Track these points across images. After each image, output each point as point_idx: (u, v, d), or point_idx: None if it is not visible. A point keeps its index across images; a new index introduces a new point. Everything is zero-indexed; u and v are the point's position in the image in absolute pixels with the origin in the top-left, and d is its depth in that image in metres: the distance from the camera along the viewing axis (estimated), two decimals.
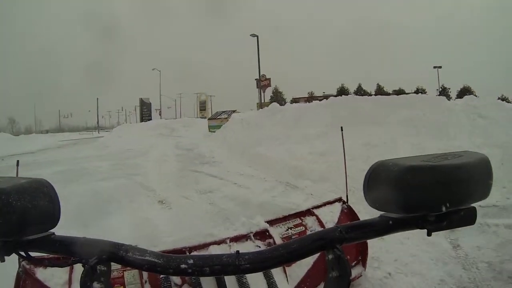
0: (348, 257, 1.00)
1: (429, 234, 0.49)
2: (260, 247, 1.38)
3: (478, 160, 0.48)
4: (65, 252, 0.49)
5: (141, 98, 37.25)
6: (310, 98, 30.66)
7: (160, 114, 40.13)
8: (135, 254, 0.47)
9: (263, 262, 0.47)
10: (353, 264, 1.61)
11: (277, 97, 46.48)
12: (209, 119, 21.68)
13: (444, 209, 0.46)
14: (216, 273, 0.47)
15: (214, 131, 17.51)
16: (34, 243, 0.48)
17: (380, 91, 41.46)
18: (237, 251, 0.48)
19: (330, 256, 0.48)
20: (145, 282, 1.22)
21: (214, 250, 1.32)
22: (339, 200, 1.80)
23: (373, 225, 0.51)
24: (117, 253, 0.47)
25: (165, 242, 1.49)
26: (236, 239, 1.36)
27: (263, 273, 1.18)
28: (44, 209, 0.47)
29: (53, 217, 0.49)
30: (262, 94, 26.17)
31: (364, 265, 1.72)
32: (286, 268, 1.32)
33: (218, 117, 20.38)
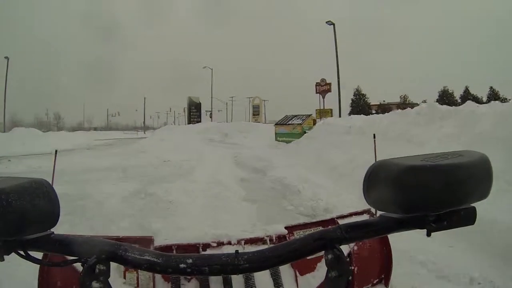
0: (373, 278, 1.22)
1: (428, 234, 0.48)
2: None
3: (478, 159, 0.47)
4: (64, 251, 0.49)
5: (190, 97, 32.91)
6: (403, 104, 24.80)
7: (210, 117, 35.86)
8: (134, 253, 0.47)
9: (263, 262, 0.47)
10: (375, 281, 1.35)
11: (359, 101, 40.18)
12: (276, 124, 16.77)
13: (444, 209, 0.46)
14: (215, 272, 0.47)
15: (287, 141, 12.65)
16: (34, 242, 0.48)
17: (495, 97, 33.34)
18: (236, 251, 0.47)
19: (330, 256, 0.47)
20: None
21: (227, 250, 1.25)
22: (368, 211, 1.45)
23: (373, 225, 0.51)
24: (116, 252, 0.47)
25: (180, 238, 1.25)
26: (251, 241, 1.28)
27: (272, 278, 1.13)
28: (44, 209, 0.47)
29: (53, 216, 0.49)
30: (322, 100, 23.78)
31: (386, 284, 1.38)
32: (299, 277, 1.22)
33: (289, 122, 15.41)
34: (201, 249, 1.23)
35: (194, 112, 33.08)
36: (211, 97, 35.32)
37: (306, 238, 0.50)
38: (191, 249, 1.24)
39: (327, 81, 23.77)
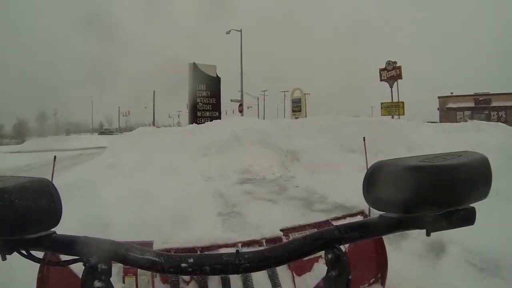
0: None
1: (428, 234, 0.48)
2: None
3: (477, 160, 0.47)
4: (66, 251, 0.49)
5: (195, 64, 15.26)
6: None
7: (240, 111, 20.08)
8: (136, 253, 0.47)
9: (263, 261, 0.47)
10: (372, 281, 1.36)
11: None
12: None
13: (443, 209, 0.46)
14: (216, 272, 0.47)
15: None
16: (36, 242, 0.48)
17: None
18: (237, 250, 0.48)
19: (329, 256, 0.47)
20: (156, 275, 1.16)
21: (225, 251, 0.85)
22: (361, 213, 1.48)
23: (372, 225, 0.51)
24: (117, 252, 0.47)
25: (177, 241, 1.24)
26: (249, 243, 1.26)
27: (270, 280, 1.16)
28: (46, 208, 0.47)
29: (55, 216, 0.48)
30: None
31: (383, 284, 1.38)
32: (296, 278, 1.24)
33: None
34: (199, 252, 1.20)
35: (204, 97, 15.38)
36: (241, 75, 19.89)
37: (305, 238, 0.49)
38: (189, 252, 1.19)
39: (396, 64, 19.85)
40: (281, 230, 1.30)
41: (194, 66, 15.26)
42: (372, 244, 1.34)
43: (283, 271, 1.14)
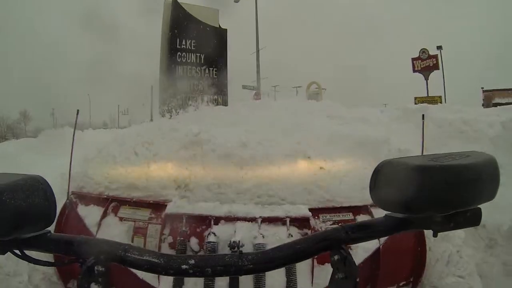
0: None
1: (435, 235, 0.47)
2: (292, 235, 1.28)
3: (485, 160, 0.46)
4: (61, 251, 0.48)
5: (174, 1, 4.13)
6: None
7: (256, 97, 12.40)
8: (134, 254, 0.45)
9: (267, 263, 0.46)
10: (402, 284, 1.27)
11: None
12: None
13: (450, 210, 0.45)
14: (217, 273, 0.45)
15: None
16: (30, 242, 0.47)
17: None
18: (240, 251, 0.47)
19: (336, 257, 0.46)
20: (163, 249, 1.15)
21: (240, 226, 1.21)
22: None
23: (378, 225, 0.50)
24: (115, 253, 0.45)
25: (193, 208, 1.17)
26: (269, 220, 1.20)
27: (287, 279, 1.12)
28: (40, 207, 0.46)
29: (49, 215, 0.47)
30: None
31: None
32: (315, 285, 1.18)
33: None
34: (212, 222, 1.18)
35: (194, 65, 4.27)
36: (257, 46, 14.41)
37: (310, 238, 0.50)
38: (202, 221, 1.19)
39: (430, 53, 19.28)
40: (309, 210, 1.20)
41: (176, 6, 4.70)
42: (412, 243, 1.19)
43: (302, 272, 1.05)
